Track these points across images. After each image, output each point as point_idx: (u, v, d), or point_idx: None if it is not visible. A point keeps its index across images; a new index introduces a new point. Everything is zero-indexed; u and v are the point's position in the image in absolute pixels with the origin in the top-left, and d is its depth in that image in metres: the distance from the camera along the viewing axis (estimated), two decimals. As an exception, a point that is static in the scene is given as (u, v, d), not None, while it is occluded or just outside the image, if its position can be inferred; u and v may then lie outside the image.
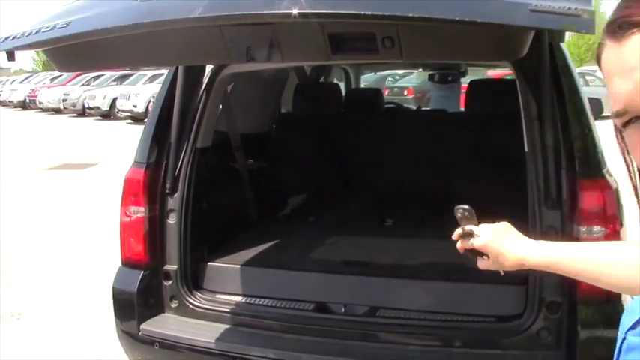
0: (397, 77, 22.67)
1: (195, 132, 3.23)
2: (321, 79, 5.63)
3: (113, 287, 3.23)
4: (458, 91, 6.37)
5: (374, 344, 2.87)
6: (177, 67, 3.18)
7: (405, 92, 20.32)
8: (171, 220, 3.20)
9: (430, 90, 6.62)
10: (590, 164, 2.65)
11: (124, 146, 14.55)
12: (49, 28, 2.09)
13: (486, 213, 3.87)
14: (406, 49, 1.85)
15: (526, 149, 2.80)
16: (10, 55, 2.16)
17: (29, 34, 2.09)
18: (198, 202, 3.25)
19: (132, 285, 3.16)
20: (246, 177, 3.91)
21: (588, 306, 2.63)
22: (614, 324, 2.41)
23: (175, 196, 3.19)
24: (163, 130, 3.21)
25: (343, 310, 3.00)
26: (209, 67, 3.26)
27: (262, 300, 3.14)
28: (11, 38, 2.13)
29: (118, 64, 2.67)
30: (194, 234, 3.22)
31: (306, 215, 4.14)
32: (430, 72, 6.35)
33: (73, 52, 2.16)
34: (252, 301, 3.15)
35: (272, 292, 3.16)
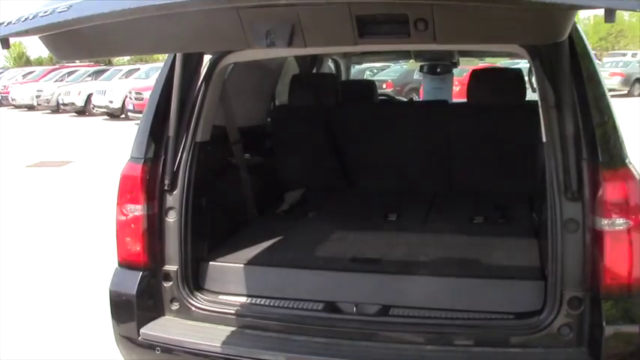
0: (375, 71, 22.65)
1: (195, 125, 3.07)
2: (314, 70, 5.48)
3: (110, 290, 3.07)
4: (450, 83, 6.28)
5: (389, 345, 2.75)
6: (174, 59, 3.03)
7: (384, 86, 20.28)
8: (171, 218, 3.04)
9: (422, 81, 6.52)
10: (613, 153, 2.55)
11: (101, 142, 14.41)
12: (48, 12, 1.92)
13: (491, 205, 3.83)
14: (440, 31, 1.73)
15: (544, 139, 2.70)
16: (5, 43, 2.00)
17: (25, 20, 1.93)
18: (197, 199, 3.10)
19: (130, 287, 3.00)
20: (244, 172, 3.76)
21: (612, 300, 2.53)
22: (638, 319, 2.35)
23: (175, 192, 3.04)
24: (161, 123, 3.06)
25: (354, 309, 2.87)
26: (207, 57, 3.11)
27: (268, 300, 3.00)
28: (5, 24, 1.96)
29: (126, 52, 2.51)
30: (194, 232, 3.07)
31: (306, 210, 4.01)
32: (422, 63, 6.25)
33: (75, 39, 2.00)
34: (257, 302, 3.01)
35: (278, 292, 3.02)
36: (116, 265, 3.13)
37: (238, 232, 3.60)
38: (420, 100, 5.91)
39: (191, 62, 3.04)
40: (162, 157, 3.04)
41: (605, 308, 2.52)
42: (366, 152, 4.33)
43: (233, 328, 2.93)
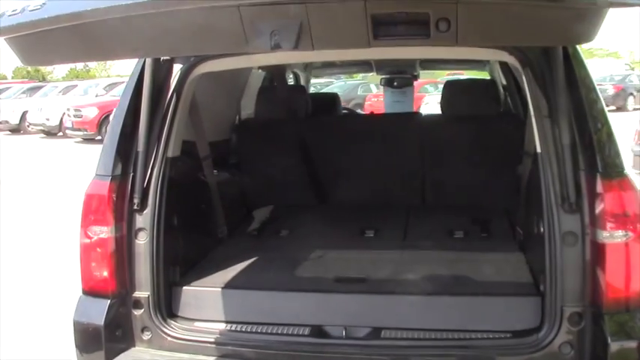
0: (319, 87, 22.75)
1: (166, 139, 2.85)
2: (275, 83, 5.30)
3: (75, 321, 2.80)
4: (411, 96, 6.23)
5: None
6: (142, 68, 2.81)
7: (331, 101, 20.19)
8: (141, 239, 2.80)
9: (384, 94, 6.45)
10: (611, 163, 2.47)
11: (35, 162, 13.71)
12: (17, 12, 1.70)
13: (468, 219, 3.74)
14: (463, 32, 1.60)
15: (538, 149, 2.60)
16: None
17: None
18: (169, 219, 2.88)
19: (98, 317, 2.74)
20: (214, 189, 3.54)
21: (615, 315, 2.44)
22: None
23: (145, 212, 2.80)
24: (129, 138, 2.83)
25: (344, 333, 2.69)
26: (177, 67, 2.90)
27: (250, 326, 2.79)
28: None
29: (107, 55, 2.26)
30: (166, 255, 2.84)
31: (278, 229, 3.81)
32: (382, 76, 6.17)
33: (48, 41, 1.77)
34: (238, 328, 2.79)
35: (260, 317, 2.82)
36: (79, 293, 2.86)
37: (210, 253, 3.38)
38: (393, 112, 5.78)
39: (160, 72, 2.82)
40: (131, 174, 2.80)
41: (609, 323, 2.43)
42: (337, 166, 4.17)
43: (213, 358, 2.70)
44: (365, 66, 6.05)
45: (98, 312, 2.75)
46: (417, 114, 4.28)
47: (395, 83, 6.11)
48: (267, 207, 4.20)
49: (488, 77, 5.85)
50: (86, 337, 2.77)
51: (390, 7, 1.62)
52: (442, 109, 4.02)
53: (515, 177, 3.85)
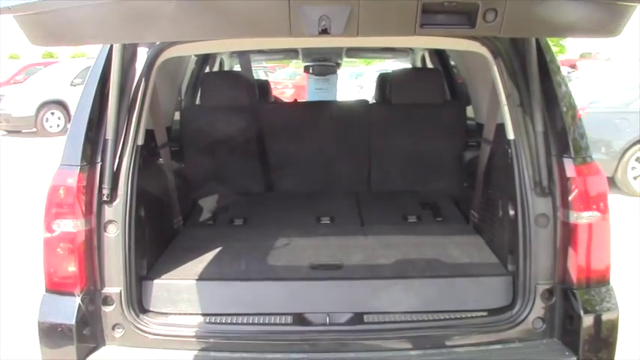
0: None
1: (136, 126, 2.72)
2: (206, 70, 5.17)
3: (40, 322, 2.60)
4: (335, 84, 6.28)
5: (370, 354, 2.64)
6: (110, 52, 2.66)
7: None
8: (111, 232, 2.66)
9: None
10: (581, 149, 2.65)
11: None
12: None
13: (416, 204, 3.86)
14: (508, 23, 1.66)
15: (511, 137, 2.74)
16: None
17: None
18: (137, 210, 2.74)
19: (67, 316, 2.58)
20: (171, 178, 3.41)
21: (585, 290, 2.63)
22: (611, 307, 2.47)
23: (115, 203, 2.66)
24: (96, 126, 2.66)
25: (327, 320, 2.71)
26: (143, 52, 2.76)
27: (230, 318, 2.73)
28: None
29: (141, 37, 2.10)
30: (136, 248, 2.71)
31: (231, 218, 3.73)
32: (306, 64, 6.17)
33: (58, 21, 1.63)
34: (218, 320, 2.73)
35: (240, 308, 2.77)
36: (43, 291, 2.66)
37: (170, 245, 3.26)
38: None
39: (127, 56, 2.68)
40: (100, 164, 2.64)
41: (582, 298, 2.61)
42: (284, 154, 4.15)
43: (195, 352, 2.62)
44: (291, 53, 6.03)
45: (67, 311, 2.58)
46: (364, 102, 4.33)
47: (319, 71, 6.14)
48: (213, 196, 4.10)
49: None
50: (55, 338, 2.59)
51: None
52: (388, 98, 4.10)
53: (458, 163, 4.03)
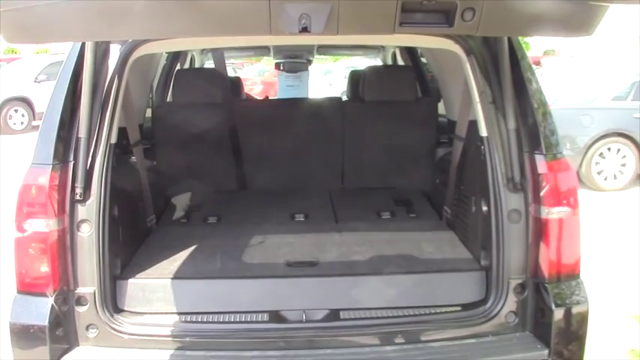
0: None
1: (109, 124, 2.68)
2: (177, 67, 5.13)
3: (11, 323, 2.56)
4: (306, 81, 6.28)
5: (346, 350, 2.65)
6: (82, 49, 2.62)
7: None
8: (84, 232, 2.62)
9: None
10: (553, 145, 2.70)
11: None
12: None
13: (389, 200, 3.89)
14: (485, 22, 1.68)
15: (484, 133, 2.78)
16: None
17: None
18: (111, 209, 2.71)
19: (40, 317, 2.54)
20: (144, 176, 3.38)
21: (557, 284, 2.69)
22: (581, 300, 2.53)
23: (88, 202, 2.62)
24: (68, 124, 2.62)
25: (304, 317, 2.72)
26: (116, 49, 2.73)
27: (207, 316, 2.72)
28: None
29: (119, 34, 2.06)
30: (110, 247, 2.68)
31: (205, 216, 3.71)
32: (278, 61, 6.16)
33: (45, 17, 1.61)
34: (194, 319, 2.71)
35: (216, 306, 2.76)
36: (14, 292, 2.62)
37: (144, 244, 3.23)
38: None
39: (99, 53, 2.64)
40: (72, 162, 2.60)
41: (552, 292, 2.67)
42: (258, 151, 4.14)
43: (170, 352, 2.61)
44: (263, 50, 6.01)
45: (40, 312, 2.54)
46: (337, 99, 4.34)
47: (290, 68, 6.13)
48: (186, 194, 4.08)
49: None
50: (28, 339, 2.55)
51: None
52: (361, 95, 4.11)
53: (430, 159, 4.07)
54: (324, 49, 6.08)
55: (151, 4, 1.64)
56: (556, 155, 2.71)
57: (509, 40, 2.70)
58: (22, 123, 15.74)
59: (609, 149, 8.96)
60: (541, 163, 2.67)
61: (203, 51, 5.64)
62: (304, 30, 1.66)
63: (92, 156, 2.64)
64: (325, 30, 1.67)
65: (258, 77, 21.66)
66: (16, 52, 27.94)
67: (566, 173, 2.70)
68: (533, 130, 2.70)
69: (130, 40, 2.71)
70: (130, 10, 1.70)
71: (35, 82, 15.73)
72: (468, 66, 2.79)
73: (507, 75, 2.66)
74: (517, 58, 2.75)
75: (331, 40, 2.19)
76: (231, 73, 19.72)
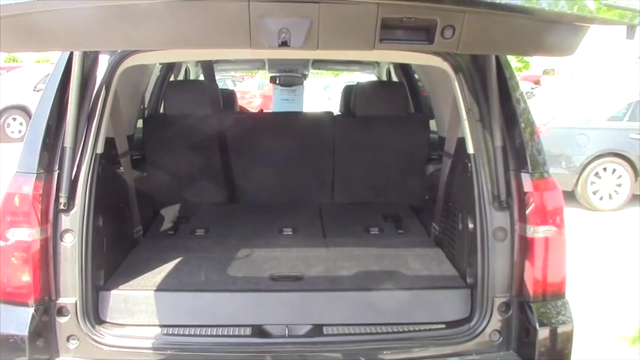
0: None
1: (95, 134, 2.68)
2: (171, 78, 5.13)
3: None
4: (301, 95, 6.29)
5: None
6: (70, 58, 2.62)
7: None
8: (67, 242, 2.61)
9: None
10: (537, 163, 2.70)
11: None
12: None
13: (378, 215, 3.88)
14: (465, 40, 1.69)
15: (471, 151, 2.78)
16: None
17: None
18: (95, 219, 2.70)
19: (20, 327, 2.52)
20: (132, 187, 3.37)
21: (541, 303, 2.67)
22: (566, 320, 2.51)
23: (72, 212, 2.61)
24: (54, 133, 2.62)
25: (286, 331, 2.70)
26: (104, 59, 2.73)
27: (188, 329, 2.70)
28: None
29: (87, 45, 2.07)
30: (94, 258, 2.67)
31: (193, 228, 3.70)
32: (273, 75, 6.17)
33: (26, 27, 1.61)
34: (176, 332, 2.69)
35: (199, 319, 2.74)
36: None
37: (129, 255, 3.21)
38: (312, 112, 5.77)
39: (88, 63, 2.65)
40: (57, 172, 2.60)
41: (537, 311, 2.65)
42: (248, 164, 4.13)
43: None
44: (257, 63, 6.03)
45: (20, 321, 2.53)
46: (329, 114, 4.34)
47: (285, 82, 6.14)
48: (175, 205, 4.06)
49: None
50: (7, 349, 2.52)
51: (402, 12, 1.66)
52: (353, 110, 4.12)
53: (420, 175, 4.07)
54: (318, 64, 6.10)
55: (131, 15, 1.64)
56: (543, 174, 2.70)
57: (497, 59, 2.71)
58: (19, 131, 15.72)
59: (605, 169, 8.96)
60: (527, 182, 2.67)
61: (198, 63, 5.65)
62: (284, 44, 1.66)
63: (77, 166, 2.64)
64: (305, 45, 1.68)
65: (258, 90, 21.72)
66: (16, 61, 28.02)
67: (552, 192, 2.70)
68: (520, 148, 2.70)
69: (119, 51, 2.72)
70: (111, 21, 1.70)
71: (34, 90, 15.73)
72: (456, 83, 2.80)
73: (494, 93, 2.67)
74: (505, 76, 2.75)
75: (318, 55, 2.21)
76: (230, 85, 19.81)
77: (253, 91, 21.70)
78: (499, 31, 1.74)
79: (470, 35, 1.71)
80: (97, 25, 1.70)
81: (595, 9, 1.56)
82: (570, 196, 8.75)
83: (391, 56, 3.09)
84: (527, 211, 2.65)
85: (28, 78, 16.56)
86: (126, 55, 2.73)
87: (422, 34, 1.72)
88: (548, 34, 1.75)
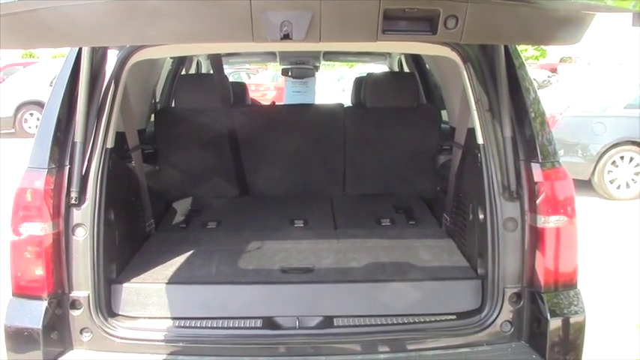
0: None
1: (105, 129, 2.70)
2: (183, 72, 5.15)
3: (6, 325, 2.58)
4: (313, 87, 6.28)
5: (339, 358, 2.64)
6: (79, 54, 2.65)
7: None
8: (79, 236, 2.64)
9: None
10: (549, 154, 2.68)
11: None
12: None
13: (389, 206, 3.87)
14: (469, 30, 1.67)
15: (481, 141, 2.76)
16: None
17: None
18: (107, 213, 2.73)
19: (34, 320, 2.55)
20: (143, 181, 3.39)
21: (552, 294, 2.66)
22: (578, 310, 2.50)
23: (83, 206, 2.64)
24: (64, 128, 2.65)
25: (297, 323, 2.71)
26: (113, 54, 2.75)
27: (199, 321, 2.73)
28: None
29: (98, 41, 2.09)
30: (105, 251, 2.70)
31: (205, 221, 3.72)
32: (284, 67, 6.16)
33: (27, 23, 1.63)
34: (187, 324, 2.72)
35: (210, 311, 2.76)
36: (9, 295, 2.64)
37: (141, 248, 3.24)
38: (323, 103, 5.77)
39: (96, 58, 2.67)
40: (68, 167, 2.63)
41: (549, 302, 2.63)
42: (260, 157, 4.14)
43: (164, 357, 2.61)
44: (269, 56, 6.03)
45: (34, 315, 2.56)
46: (340, 105, 4.34)
47: (297, 74, 6.14)
48: (187, 199, 4.09)
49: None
50: (22, 342, 2.57)
51: (404, 2, 1.65)
52: (363, 102, 4.11)
53: (432, 166, 4.05)
54: (330, 56, 6.09)
55: (137, 11, 1.65)
56: (553, 164, 2.68)
57: (506, 48, 2.69)
58: (36, 127, 15.82)
59: (622, 158, 8.86)
60: (537, 172, 2.65)
61: (209, 56, 5.66)
62: (286, 37, 1.66)
63: (88, 160, 2.66)
64: (307, 37, 1.67)
65: (272, 83, 21.73)
66: (33, 56, 28.26)
67: (563, 182, 2.67)
68: (529, 138, 2.68)
69: (127, 46, 2.74)
70: (118, 18, 1.72)
71: (50, 86, 15.87)
72: (465, 73, 2.78)
73: (504, 83, 2.64)
74: (514, 66, 2.73)
75: (321, 47, 2.20)
76: (245, 78, 19.77)
77: (267, 84, 21.70)
78: (502, 20, 1.73)
79: (473, 25, 1.70)
80: (104, 21, 1.72)
81: (600, -4, 1.54)
82: (587, 185, 8.67)
83: (398, 47, 3.08)
84: (537, 201, 2.64)
85: (45, 73, 16.69)
86: (134, 49, 2.74)
87: (425, 24, 1.71)
88: (552, 23, 1.73)
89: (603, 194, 8.85)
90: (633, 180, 8.90)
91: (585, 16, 1.71)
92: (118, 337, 2.64)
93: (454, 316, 2.76)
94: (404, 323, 2.72)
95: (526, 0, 1.52)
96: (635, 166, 8.88)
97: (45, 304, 2.57)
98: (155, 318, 2.75)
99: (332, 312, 2.75)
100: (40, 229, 2.57)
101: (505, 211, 2.68)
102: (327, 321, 2.72)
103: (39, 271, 2.58)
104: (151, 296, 2.78)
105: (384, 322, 2.73)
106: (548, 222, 2.63)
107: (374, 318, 2.74)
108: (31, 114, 15.96)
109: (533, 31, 1.80)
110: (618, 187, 8.91)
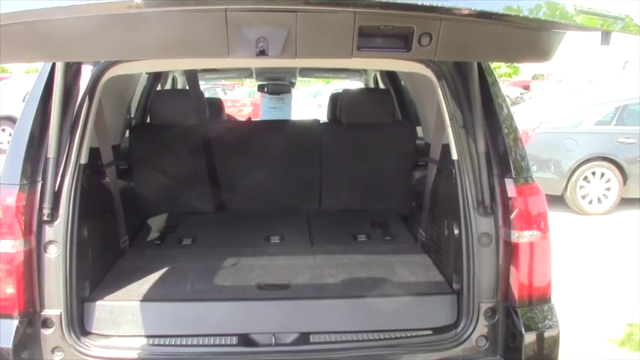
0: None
1: (79, 145, 2.67)
2: (158, 87, 5.13)
3: None
4: (289, 103, 6.30)
5: None
6: (52, 68, 2.62)
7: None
8: (51, 253, 2.59)
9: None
10: (522, 170, 2.71)
11: None
12: None
13: (366, 222, 3.88)
14: (443, 47, 1.70)
15: (455, 157, 2.79)
16: None
17: None
18: (80, 230, 2.69)
19: (5, 340, 2.50)
20: (117, 197, 3.36)
21: (527, 308, 2.68)
22: (552, 324, 2.52)
23: (56, 223, 2.60)
24: (37, 144, 2.61)
25: (273, 340, 2.69)
26: (88, 69, 2.73)
27: (175, 339, 2.69)
28: None
29: (75, 56, 2.07)
30: (78, 269, 2.65)
31: (180, 238, 3.69)
32: (260, 83, 6.18)
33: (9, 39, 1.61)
34: (162, 342, 2.68)
35: (185, 329, 2.73)
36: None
37: (115, 265, 3.20)
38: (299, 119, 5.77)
39: (70, 73, 2.65)
40: (40, 183, 2.59)
41: (523, 316, 2.65)
42: (235, 173, 4.13)
43: None
44: (245, 72, 6.04)
45: (5, 334, 2.50)
46: (316, 121, 4.35)
47: (273, 90, 6.15)
48: (162, 215, 4.05)
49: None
50: None
51: (379, 20, 1.67)
52: (339, 118, 4.12)
53: (407, 182, 4.07)
54: (306, 72, 6.12)
55: (111, 26, 1.65)
56: (527, 179, 2.71)
57: (479, 65, 2.73)
58: (8, 142, 15.62)
59: (593, 173, 9.01)
60: (511, 187, 2.68)
61: (185, 72, 5.65)
62: (262, 53, 1.67)
63: (61, 176, 2.62)
64: (283, 54, 1.68)
65: (248, 99, 21.73)
66: (6, 71, 27.95)
67: (536, 197, 2.71)
68: (503, 154, 2.71)
69: (102, 61, 2.72)
70: (92, 33, 1.71)
71: (23, 101, 15.66)
72: (439, 90, 2.81)
73: (477, 100, 2.68)
74: (488, 83, 2.77)
75: (298, 63, 2.22)
76: (220, 94, 19.70)
77: (244, 100, 21.70)
78: (476, 38, 1.76)
79: (447, 42, 1.72)
80: (78, 36, 1.71)
81: (571, 15, 1.57)
82: (559, 200, 8.79)
83: (373, 63, 3.10)
84: (511, 217, 2.66)
85: (17, 89, 16.51)
86: (109, 65, 2.72)
87: (399, 41, 1.73)
88: (524, 40, 1.77)
89: (575, 209, 8.98)
90: (604, 195, 9.05)
91: (556, 34, 1.75)
92: (90, 356, 2.59)
93: (430, 332, 2.77)
94: (380, 339, 2.72)
95: (499, 18, 1.55)
96: (607, 182, 9.03)
97: (16, 322, 2.52)
98: (129, 336, 2.71)
99: (308, 328, 2.74)
100: (12, 246, 2.52)
101: (480, 226, 2.71)
102: (304, 337, 2.70)
103: (9, 290, 2.53)
104: (125, 314, 2.74)
105: (361, 339, 2.72)
106: (522, 237, 2.66)
107: (350, 334, 2.73)
108: (3, 129, 15.75)
109: (505, 48, 1.84)
110: (590, 203, 9.05)
